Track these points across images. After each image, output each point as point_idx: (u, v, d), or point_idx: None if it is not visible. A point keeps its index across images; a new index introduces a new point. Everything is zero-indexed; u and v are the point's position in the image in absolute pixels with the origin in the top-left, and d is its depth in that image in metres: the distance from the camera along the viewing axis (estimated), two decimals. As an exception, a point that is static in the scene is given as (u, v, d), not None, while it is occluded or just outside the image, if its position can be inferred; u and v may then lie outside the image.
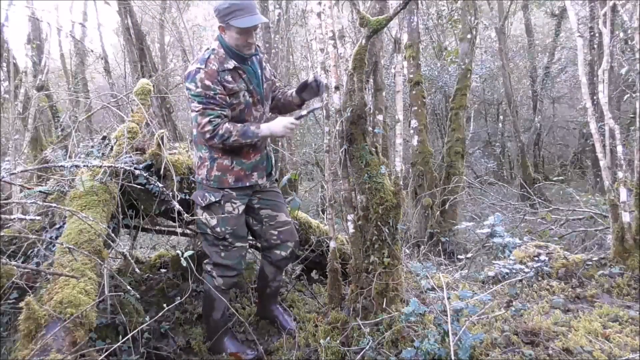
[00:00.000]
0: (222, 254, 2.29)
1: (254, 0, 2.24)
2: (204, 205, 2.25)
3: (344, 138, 2.35)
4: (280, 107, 2.49)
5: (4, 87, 5.36)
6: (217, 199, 2.24)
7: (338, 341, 2.19)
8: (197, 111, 2.10)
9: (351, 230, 2.39)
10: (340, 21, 2.39)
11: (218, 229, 2.26)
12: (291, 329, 2.47)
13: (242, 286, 2.98)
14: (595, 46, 8.21)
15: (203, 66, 2.09)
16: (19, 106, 4.86)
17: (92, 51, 9.94)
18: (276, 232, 2.43)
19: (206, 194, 2.25)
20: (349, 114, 2.29)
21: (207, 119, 2.08)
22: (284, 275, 3.36)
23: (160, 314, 1.86)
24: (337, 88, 2.31)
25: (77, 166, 2.22)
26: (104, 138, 2.82)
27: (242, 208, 2.31)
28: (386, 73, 7.31)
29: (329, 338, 2.18)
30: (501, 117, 12.34)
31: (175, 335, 2.49)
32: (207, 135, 2.11)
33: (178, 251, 2.10)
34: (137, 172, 2.22)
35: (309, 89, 2.31)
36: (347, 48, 2.49)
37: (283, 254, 2.45)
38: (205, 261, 2.37)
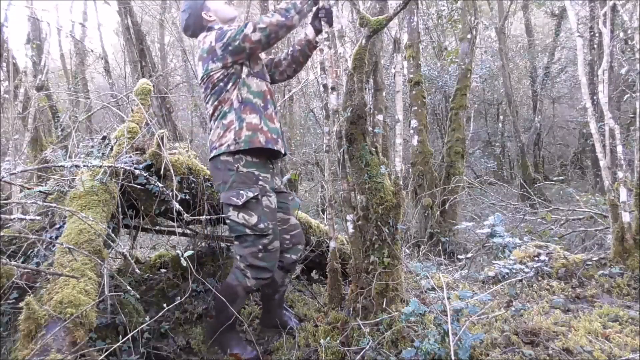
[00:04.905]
0: (260, 255, 2.19)
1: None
2: (240, 204, 2.14)
3: (342, 138, 2.34)
4: (295, 60, 2.54)
5: (4, 87, 5.36)
6: (255, 194, 2.17)
7: (338, 341, 2.19)
8: (236, 36, 2.14)
9: (351, 230, 2.38)
10: (340, 21, 2.39)
11: (262, 225, 2.17)
12: (295, 327, 2.46)
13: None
14: (595, 46, 8.22)
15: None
16: (19, 106, 4.86)
17: (92, 51, 9.94)
18: (288, 236, 2.42)
19: (241, 192, 2.16)
20: (349, 114, 2.29)
21: (252, 27, 2.12)
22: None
23: (160, 314, 1.86)
24: (333, 88, 2.29)
25: (77, 166, 2.22)
26: (104, 138, 2.82)
27: (275, 201, 2.27)
28: (386, 73, 7.31)
29: (329, 338, 2.18)
30: (501, 117, 12.35)
31: (175, 335, 2.49)
32: (261, 38, 2.13)
33: (178, 251, 2.10)
34: (137, 172, 2.22)
35: (322, 14, 2.37)
36: (347, 48, 2.49)
37: (294, 257, 2.44)
38: (239, 259, 2.24)
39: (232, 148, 2.18)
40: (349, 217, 2.39)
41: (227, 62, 2.20)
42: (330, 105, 2.33)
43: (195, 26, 2.37)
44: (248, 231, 2.17)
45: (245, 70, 2.25)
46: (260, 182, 2.21)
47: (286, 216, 2.43)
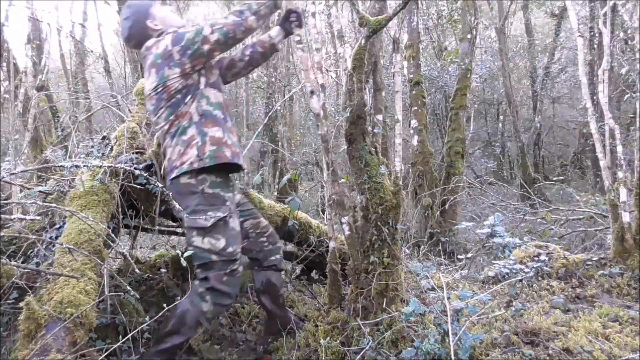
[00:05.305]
0: (224, 279, 2.05)
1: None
2: (209, 225, 2.00)
3: (327, 142, 2.31)
4: (253, 62, 2.40)
5: (4, 87, 5.36)
6: (224, 214, 2.03)
7: (338, 341, 2.19)
8: (195, 38, 2.01)
9: (347, 232, 2.37)
10: (339, 21, 2.39)
11: (230, 249, 2.04)
12: (298, 327, 2.46)
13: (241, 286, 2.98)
14: (595, 46, 8.21)
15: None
16: (19, 106, 4.86)
17: (92, 51, 9.93)
18: (265, 238, 2.37)
19: (209, 213, 2.01)
20: (348, 114, 2.29)
21: (210, 29, 2.01)
22: (285, 275, 3.36)
23: (160, 314, 1.86)
24: (312, 92, 2.23)
25: (77, 166, 2.21)
26: (104, 138, 2.82)
27: (238, 224, 2.16)
28: (386, 73, 7.31)
29: (329, 338, 2.18)
30: (501, 117, 12.34)
31: (175, 335, 2.49)
32: (219, 38, 2.01)
33: (178, 251, 2.10)
34: (137, 172, 2.22)
35: (293, 17, 2.26)
36: (346, 48, 2.48)
37: (278, 256, 2.41)
38: (198, 282, 2.09)
39: (195, 165, 2.01)
40: (344, 219, 2.37)
41: (186, 67, 2.04)
42: (313, 109, 2.28)
43: (140, 36, 2.19)
44: (214, 257, 2.03)
45: (203, 80, 2.11)
46: (227, 203, 2.08)
47: (256, 220, 2.37)
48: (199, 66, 2.09)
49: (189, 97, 2.07)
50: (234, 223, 2.11)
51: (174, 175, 2.06)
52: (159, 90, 2.07)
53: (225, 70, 2.37)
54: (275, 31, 2.34)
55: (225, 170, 2.14)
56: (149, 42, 2.15)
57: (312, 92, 2.25)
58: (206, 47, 2.02)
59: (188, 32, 2.05)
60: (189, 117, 2.07)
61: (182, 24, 2.26)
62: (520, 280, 2.83)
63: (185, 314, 2.04)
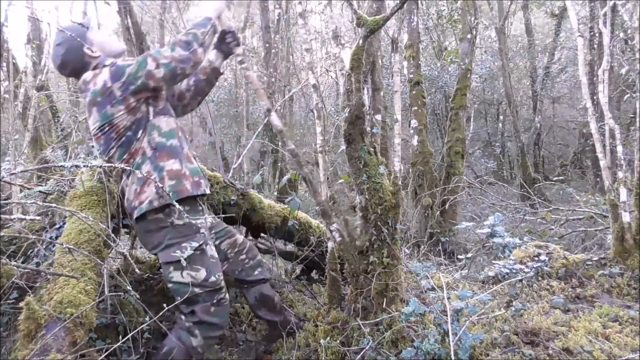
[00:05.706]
0: (212, 309, 1.96)
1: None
2: (185, 257, 1.90)
3: (297, 155, 2.24)
4: (200, 91, 2.29)
5: (4, 87, 5.36)
6: (200, 243, 1.94)
7: (338, 341, 2.19)
8: (138, 73, 1.85)
9: (338, 238, 2.34)
10: (334, 21, 2.38)
11: (213, 278, 1.96)
12: (297, 327, 2.45)
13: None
14: (595, 46, 8.22)
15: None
16: (19, 106, 4.86)
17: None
18: (244, 256, 2.32)
19: (183, 245, 1.91)
20: (346, 114, 2.29)
21: (154, 63, 1.85)
22: (284, 275, 3.37)
23: (160, 314, 1.86)
24: (269, 110, 2.16)
25: (77, 166, 2.21)
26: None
27: (215, 251, 2.06)
28: (386, 73, 7.31)
29: (329, 338, 2.18)
30: (501, 117, 12.35)
31: (175, 335, 2.49)
32: (165, 74, 1.85)
33: (177, 251, 2.10)
34: (137, 172, 2.21)
35: (229, 38, 2.18)
36: (344, 48, 2.48)
37: (261, 269, 2.38)
38: (184, 317, 1.99)
39: (156, 204, 1.89)
40: (333, 227, 2.35)
41: (130, 102, 1.88)
42: (274, 127, 2.21)
43: (75, 63, 1.99)
44: (198, 290, 1.92)
45: (151, 110, 1.96)
46: (201, 230, 1.99)
47: (232, 239, 2.30)
48: (143, 98, 1.93)
49: (140, 131, 1.94)
50: (212, 251, 2.03)
51: (136, 215, 1.94)
52: (106, 130, 1.91)
53: (176, 101, 2.25)
54: (213, 55, 2.23)
55: (191, 198, 2.02)
56: (87, 76, 1.96)
57: (268, 110, 2.16)
58: (151, 83, 1.87)
59: (129, 65, 1.88)
60: (142, 153, 1.94)
61: (121, 49, 2.11)
62: (520, 280, 2.83)
63: (172, 352, 1.94)
